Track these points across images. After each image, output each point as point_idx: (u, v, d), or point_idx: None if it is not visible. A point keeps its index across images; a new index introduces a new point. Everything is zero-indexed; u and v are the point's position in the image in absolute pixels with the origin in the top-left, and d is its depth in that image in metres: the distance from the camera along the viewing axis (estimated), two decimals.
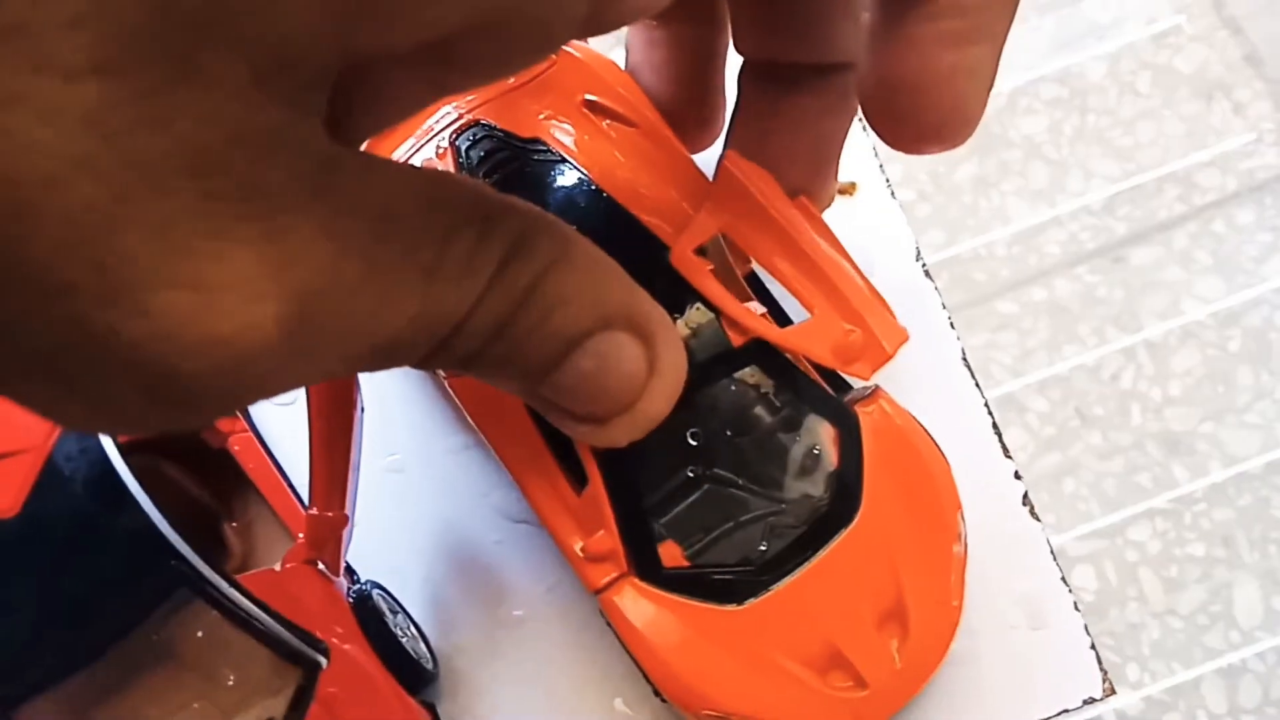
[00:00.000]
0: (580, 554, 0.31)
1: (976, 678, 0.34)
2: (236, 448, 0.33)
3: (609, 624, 0.32)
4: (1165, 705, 0.77)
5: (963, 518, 0.32)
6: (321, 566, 0.31)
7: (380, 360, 0.17)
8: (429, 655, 0.33)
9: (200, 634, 0.29)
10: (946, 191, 0.89)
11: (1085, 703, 0.35)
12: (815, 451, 0.32)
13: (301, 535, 0.32)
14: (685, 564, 0.31)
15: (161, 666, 0.29)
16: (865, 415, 0.32)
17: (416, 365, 0.18)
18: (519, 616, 0.36)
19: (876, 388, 0.34)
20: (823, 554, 0.31)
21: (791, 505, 0.31)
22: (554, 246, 0.18)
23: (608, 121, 0.34)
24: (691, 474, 0.31)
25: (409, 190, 0.16)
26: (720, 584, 0.30)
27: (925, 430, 0.33)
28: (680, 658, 0.30)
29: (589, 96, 0.35)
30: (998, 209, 0.89)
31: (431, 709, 0.32)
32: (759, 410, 0.32)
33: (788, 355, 0.32)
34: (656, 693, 0.32)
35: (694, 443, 0.31)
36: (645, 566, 0.31)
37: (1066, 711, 0.35)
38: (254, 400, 0.16)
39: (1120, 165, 0.90)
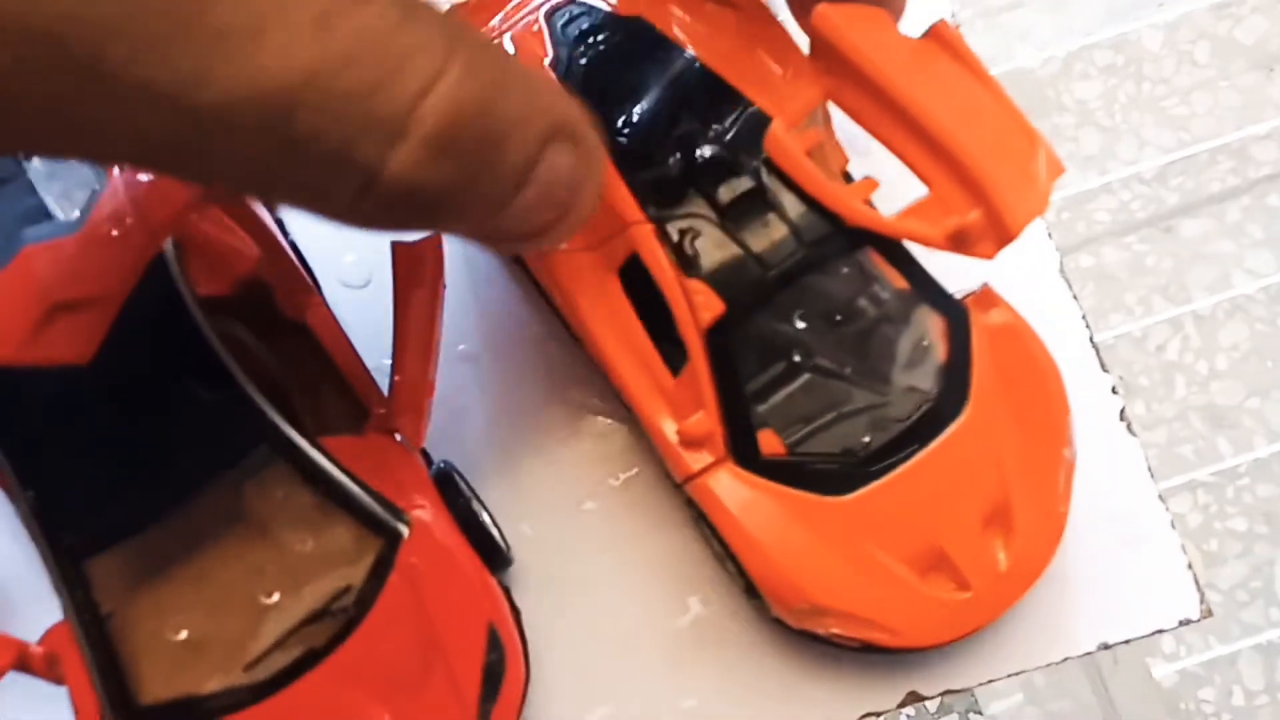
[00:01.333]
0: (674, 438, 0.30)
1: (1069, 593, 0.33)
2: (312, 319, 0.31)
3: (700, 515, 0.31)
4: (1200, 679, 0.76)
5: (1072, 423, 0.31)
6: (401, 439, 0.30)
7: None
8: (504, 540, 0.32)
9: (278, 495, 0.28)
10: None
11: (1181, 624, 0.34)
12: (924, 344, 0.30)
13: (381, 410, 0.30)
14: (783, 452, 0.29)
15: (235, 527, 0.28)
16: (977, 309, 0.31)
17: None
18: (591, 509, 0.34)
19: (985, 284, 0.32)
20: (928, 449, 0.29)
21: (897, 398, 0.30)
22: (491, 66, 0.17)
23: (710, 4, 0.33)
24: (796, 359, 0.30)
25: None
26: (821, 474, 0.29)
27: (1035, 332, 0.32)
28: (778, 547, 0.29)
29: None
30: None
31: (507, 592, 0.31)
32: (865, 300, 0.31)
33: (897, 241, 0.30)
34: (748, 589, 0.31)
35: (801, 325, 0.30)
36: (742, 452, 0.29)
37: (1161, 631, 0.33)
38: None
39: (1174, 135, 0.88)
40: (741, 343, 0.29)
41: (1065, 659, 0.33)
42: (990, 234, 0.26)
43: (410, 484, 0.29)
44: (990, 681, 0.33)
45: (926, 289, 0.31)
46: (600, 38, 0.32)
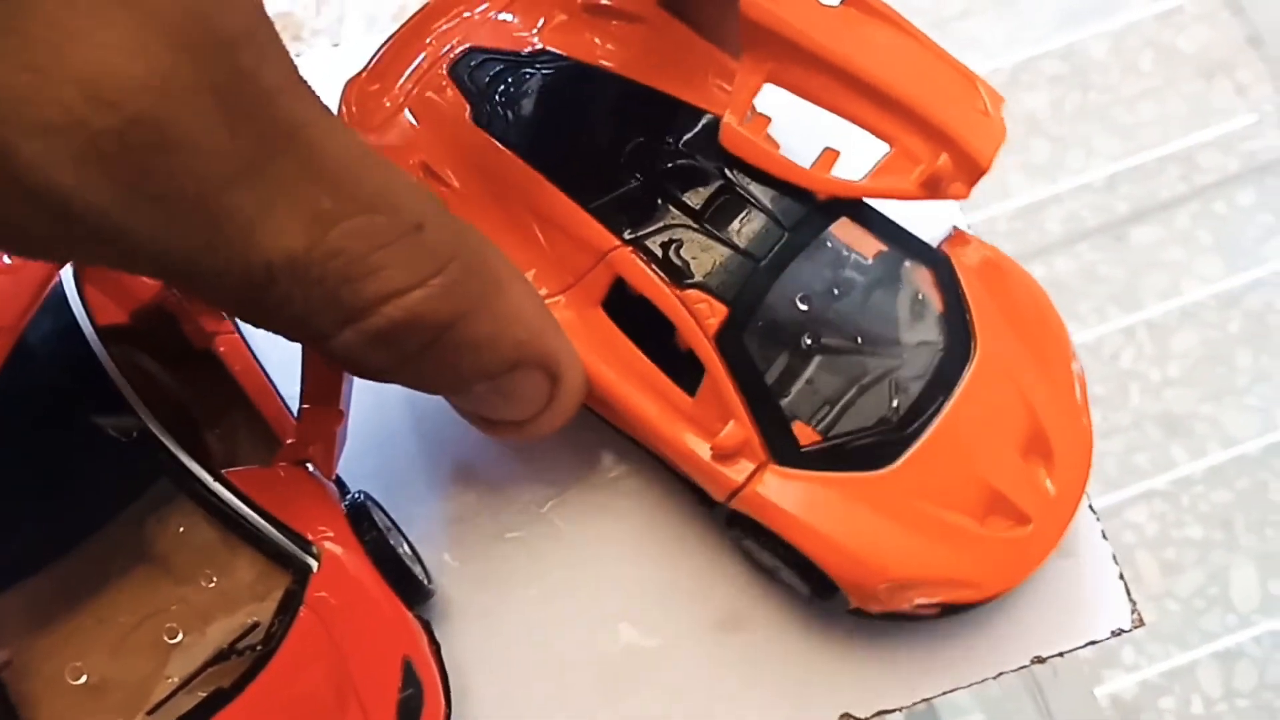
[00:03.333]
0: (708, 457, 0.29)
1: (1000, 607, 0.33)
2: (222, 348, 0.31)
3: (744, 532, 0.30)
4: (1160, 689, 0.75)
5: (1070, 337, 0.32)
6: (312, 469, 0.29)
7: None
8: (424, 572, 0.31)
9: (181, 531, 0.27)
10: None
11: (1113, 634, 0.33)
12: (919, 297, 0.31)
13: (291, 440, 0.29)
14: (820, 439, 0.29)
15: (138, 565, 0.27)
16: (954, 251, 0.32)
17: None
18: (516, 537, 0.34)
19: (954, 227, 0.33)
20: (955, 396, 0.29)
21: (910, 356, 0.30)
22: (468, 296, 0.20)
23: (614, 21, 0.32)
24: (807, 343, 0.29)
25: None
26: (863, 450, 0.29)
27: (1012, 260, 0.32)
28: (848, 535, 0.28)
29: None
30: (998, 184, 0.88)
31: (427, 625, 0.30)
32: (851, 270, 0.30)
33: (867, 203, 0.31)
34: (815, 591, 0.30)
35: (803, 309, 0.29)
36: (783, 450, 0.29)
37: (1094, 642, 0.33)
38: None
39: (1122, 143, 0.89)
40: (752, 341, 0.29)
41: (999, 674, 0.33)
42: (961, 173, 0.27)
43: (320, 516, 0.28)
44: (926, 700, 0.32)
45: (905, 245, 0.31)
46: (514, 79, 0.31)
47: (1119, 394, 0.82)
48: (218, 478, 0.27)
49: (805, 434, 0.29)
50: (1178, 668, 0.75)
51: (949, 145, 0.27)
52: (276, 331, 0.19)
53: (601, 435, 0.33)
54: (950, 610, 0.30)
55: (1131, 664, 0.75)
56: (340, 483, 0.31)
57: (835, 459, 0.29)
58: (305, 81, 0.17)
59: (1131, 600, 0.33)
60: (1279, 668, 0.75)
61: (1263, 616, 0.77)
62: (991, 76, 0.90)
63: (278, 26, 0.60)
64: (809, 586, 0.30)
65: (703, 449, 0.29)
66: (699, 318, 0.28)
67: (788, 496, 0.29)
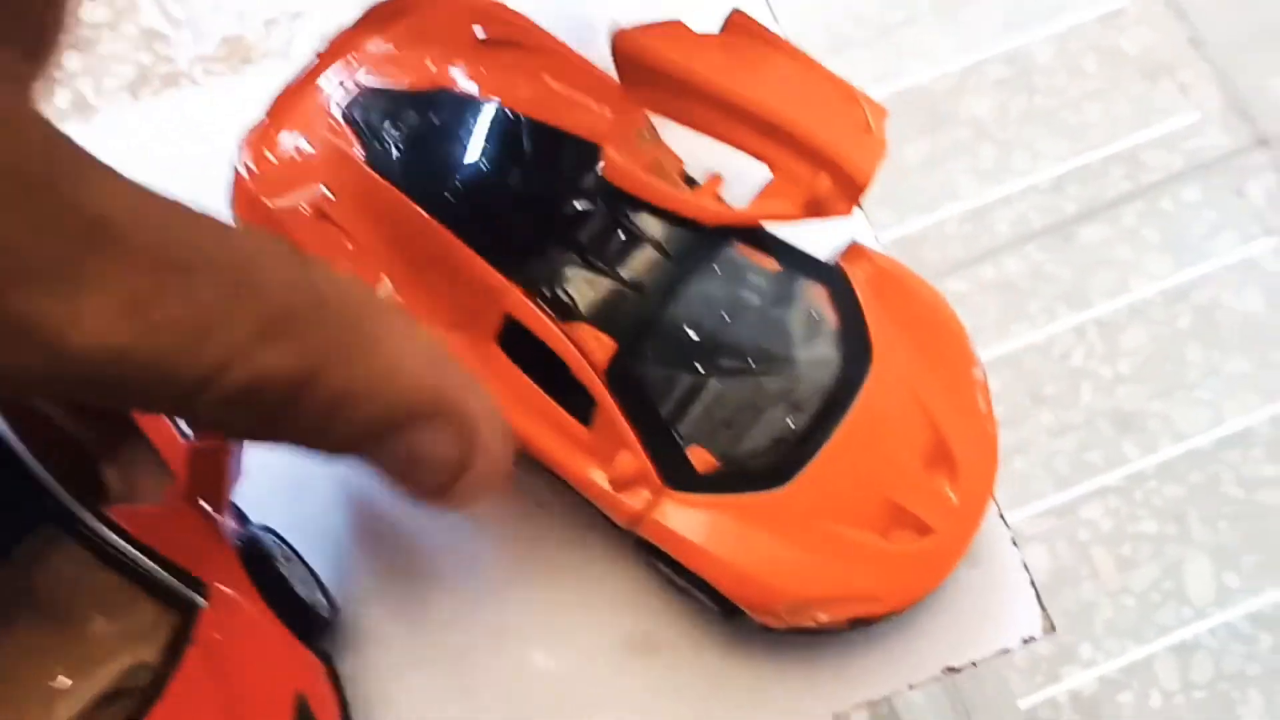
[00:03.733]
0: (607, 486, 0.29)
1: (912, 619, 0.33)
2: None
3: (652, 555, 0.30)
4: (1119, 684, 0.76)
5: (971, 342, 0.32)
6: (206, 506, 0.29)
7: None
8: (326, 604, 0.31)
9: (66, 574, 0.27)
10: (895, 171, 0.88)
11: (1025, 642, 0.33)
12: (813, 315, 0.30)
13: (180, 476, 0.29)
14: (717, 464, 0.29)
15: (22, 611, 0.27)
16: (850, 266, 0.31)
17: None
18: (428, 568, 0.33)
19: (851, 240, 0.33)
20: (851, 411, 0.29)
21: (806, 374, 0.30)
22: (322, 348, 0.18)
23: (508, 55, 0.32)
24: (700, 370, 0.29)
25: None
26: (759, 471, 0.29)
27: (909, 269, 0.32)
28: (746, 557, 0.28)
29: (477, 30, 0.33)
30: (947, 188, 0.88)
31: (326, 658, 0.30)
32: (746, 291, 0.30)
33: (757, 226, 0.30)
34: (724, 611, 0.30)
35: (694, 337, 0.29)
36: (678, 477, 0.29)
37: (1006, 651, 0.33)
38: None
39: (1068, 144, 0.89)
40: (643, 371, 0.28)
41: (911, 686, 0.33)
42: (842, 192, 0.27)
43: (210, 553, 0.28)
44: (837, 715, 0.32)
45: (799, 264, 0.31)
46: (405, 118, 0.31)
47: (1070, 392, 0.83)
48: (102, 519, 0.27)
49: (702, 459, 0.29)
50: (1135, 662, 0.76)
51: (828, 165, 0.27)
52: (134, 408, 0.19)
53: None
54: (859, 623, 0.30)
55: (1089, 660, 0.76)
56: (242, 516, 0.31)
57: (734, 482, 0.29)
58: (100, 165, 0.16)
59: (1042, 607, 0.33)
60: (1234, 659, 0.75)
61: (1217, 608, 0.77)
62: (938, 83, 0.91)
63: (226, 51, 0.59)
64: (718, 606, 0.30)
65: (602, 478, 0.29)
66: (587, 353, 0.28)
67: (684, 522, 0.28)
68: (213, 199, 0.32)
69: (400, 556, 0.34)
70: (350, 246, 0.29)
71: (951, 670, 0.33)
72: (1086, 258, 0.86)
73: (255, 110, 0.33)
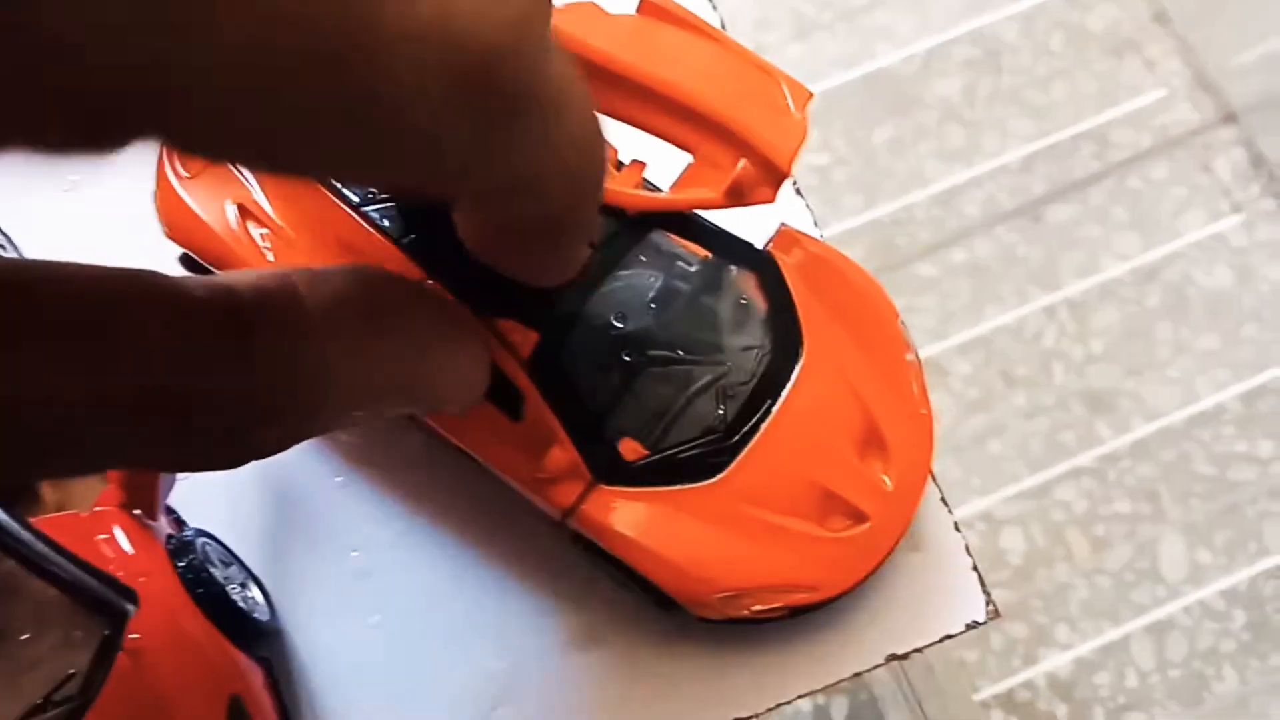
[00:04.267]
0: (538, 479, 0.29)
1: (854, 607, 0.33)
2: None
3: (586, 548, 0.30)
4: (1095, 665, 0.76)
5: (904, 327, 0.31)
6: (138, 513, 0.29)
7: None
8: (265, 607, 0.31)
9: None
10: (863, 155, 0.88)
11: (968, 627, 0.33)
12: (742, 302, 0.30)
13: (112, 483, 0.29)
14: (647, 454, 0.29)
15: None
16: (779, 252, 0.31)
17: None
18: (364, 568, 0.33)
19: (782, 224, 0.32)
20: (782, 399, 0.29)
21: (736, 362, 0.29)
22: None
23: None
24: (627, 359, 0.29)
25: None
26: (690, 461, 0.29)
27: (841, 253, 0.32)
28: (677, 549, 0.28)
29: None
30: (915, 171, 0.88)
31: (265, 662, 0.29)
32: (673, 279, 0.30)
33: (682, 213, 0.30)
34: (659, 602, 0.30)
35: (620, 327, 0.29)
36: (609, 469, 0.28)
37: (950, 636, 0.33)
38: None
39: (1036, 124, 0.89)
40: (569, 363, 0.28)
41: (856, 674, 0.33)
42: (764, 178, 0.27)
43: (140, 560, 0.28)
44: (778, 705, 0.32)
45: (728, 250, 0.31)
46: None
47: (1042, 374, 0.83)
48: (26, 527, 0.27)
49: (633, 450, 0.29)
50: (1111, 643, 0.76)
51: (747, 150, 0.26)
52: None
53: (447, 461, 0.33)
54: (798, 612, 0.30)
55: (1066, 642, 0.76)
56: (179, 520, 0.31)
57: (665, 473, 0.29)
58: None
59: (986, 592, 0.33)
60: (1209, 636, 0.76)
61: (1191, 586, 0.77)
62: (904, 65, 0.90)
63: None
64: (654, 599, 0.30)
65: (531, 472, 0.29)
66: (511, 346, 0.28)
67: (616, 514, 0.28)
68: None
69: (341, 559, 0.33)
70: (273, 245, 0.29)
71: (896, 658, 0.33)
72: (1056, 238, 0.86)
73: None
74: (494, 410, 0.29)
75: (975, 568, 0.34)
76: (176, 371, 0.15)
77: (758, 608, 0.29)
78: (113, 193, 0.36)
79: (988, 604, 0.33)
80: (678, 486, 0.29)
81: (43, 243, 0.36)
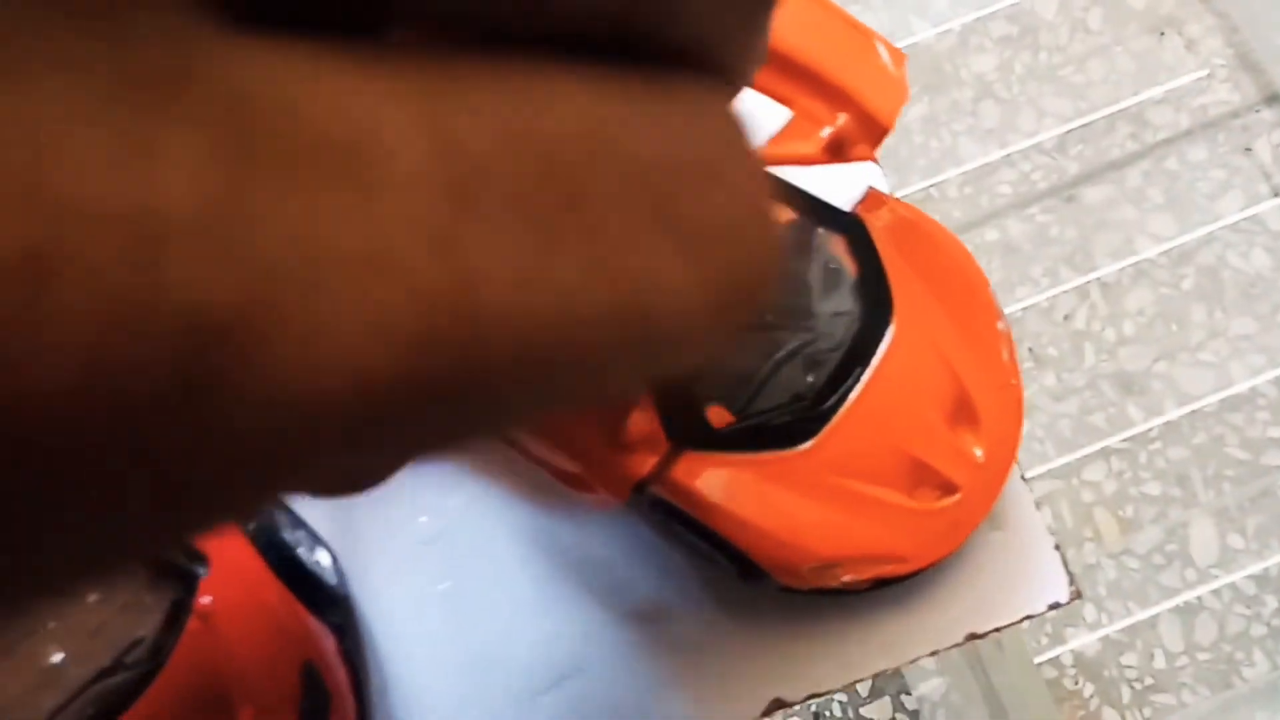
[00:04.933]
0: (611, 449, 0.27)
1: (934, 584, 0.32)
2: None
3: (665, 519, 0.29)
4: (1122, 645, 0.76)
5: (994, 295, 0.31)
6: None
7: None
8: (334, 572, 0.30)
9: None
10: (896, 132, 0.87)
11: (1050, 608, 0.32)
12: (831, 266, 0.29)
13: None
14: (734, 420, 0.28)
15: None
16: (868, 215, 0.30)
17: None
18: (433, 534, 0.32)
19: (869, 187, 0.31)
20: (872, 367, 0.28)
21: (825, 327, 0.29)
22: None
23: None
24: None
25: None
26: (779, 429, 0.28)
27: (930, 217, 0.31)
28: (770, 517, 0.27)
29: None
30: (949, 149, 0.87)
31: (338, 629, 0.29)
32: None
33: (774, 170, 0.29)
34: (742, 573, 0.29)
35: None
36: (696, 435, 0.27)
37: (1030, 617, 0.32)
38: None
39: (1072, 103, 0.88)
40: None
41: (934, 652, 0.32)
42: (864, 134, 0.26)
43: None
44: (857, 681, 0.31)
45: (815, 212, 0.30)
46: None
47: (1074, 355, 0.82)
48: None
49: (719, 416, 0.28)
50: (1139, 623, 0.76)
51: (850, 106, 0.26)
52: None
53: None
54: (881, 584, 0.29)
55: (1094, 621, 0.75)
56: None
57: (752, 439, 0.28)
58: None
59: (1069, 573, 0.33)
60: (1239, 621, 0.75)
61: (1222, 571, 0.77)
62: (940, 40, 0.89)
63: None
64: (737, 568, 0.29)
65: (603, 443, 0.28)
66: None
67: (705, 481, 0.27)
68: None
69: (409, 524, 0.33)
70: None
71: (975, 637, 0.32)
72: (1090, 219, 0.85)
73: None
74: None
75: (1057, 547, 0.33)
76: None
77: (847, 578, 0.28)
78: None
79: (1070, 585, 0.33)
80: (766, 453, 0.28)
81: None
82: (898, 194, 0.87)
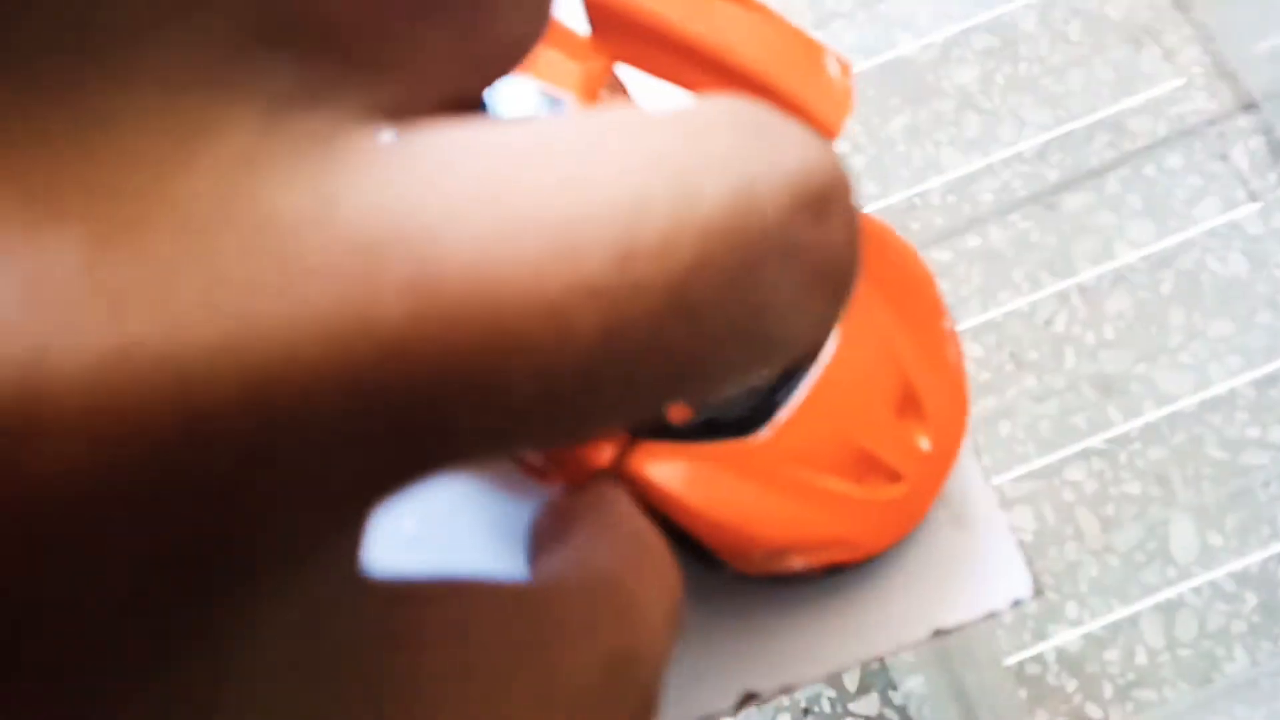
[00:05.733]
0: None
1: (899, 581, 0.34)
2: None
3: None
4: (1104, 641, 0.77)
5: (941, 295, 0.32)
6: None
7: None
8: None
9: None
10: (880, 143, 0.89)
11: (1013, 604, 0.34)
12: None
13: None
14: (691, 412, 0.30)
15: None
16: None
17: None
18: (413, 536, 0.34)
19: None
20: (822, 361, 0.30)
21: None
22: None
23: None
24: None
25: None
26: (732, 420, 0.29)
27: (881, 221, 0.33)
28: (721, 505, 0.29)
29: None
30: (931, 159, 0.89)
31: None
32: None
33: None
34: (702, 562, 0.31)
35: None
36: (654, 427, 0.29)
37: (994, 614, 0.34)
38: None
39: (1052, 113, 0.90)
40: None
41: (899, 647, 0.34)
42: None
43: None
44: (829, 675, 0.33)
45: None
46: None
47: (1054, 358, 0.84)
48: None
49: (677, 410, 0.30)
50: (1120, 620, 0.77)
51: (798, 115, 0.27)
52: None
53: None
54: (833, 570, 0.31)
55: (1075, 618, 0.77)
56: None
57: (708, 430, 0.30)
58: None
59: (1030, 569, 0.34)
60: (1219, 617, 0.77)
61: (1201, 568, 0.79)
62: (922, 53, 0.91)
63: None
64: (695, 558, 0.31)
65: None
66: None
67: (660, 470, 0.29)
68: None
69: (393, 530, 0.34)
70: None
71: (940, 633, 0.34)
72: (1070, 225, 0.87)
73: None
74: None
75: (1020, 544, 0.35)
76: None
77: (799, 564, 0.30)
78: None
79: (1031, 581, 0.34)
80: (721, 443, 0.29)
81: None
82: (882, 203, 0.89)
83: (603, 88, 0.30)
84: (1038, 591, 0.35)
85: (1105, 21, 0.92)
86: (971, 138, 0.89)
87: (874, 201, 0.87)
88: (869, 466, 0.30)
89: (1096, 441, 0.81)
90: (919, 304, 0.32)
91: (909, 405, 0.31)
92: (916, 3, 0.92)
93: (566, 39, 0.31)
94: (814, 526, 0.29)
